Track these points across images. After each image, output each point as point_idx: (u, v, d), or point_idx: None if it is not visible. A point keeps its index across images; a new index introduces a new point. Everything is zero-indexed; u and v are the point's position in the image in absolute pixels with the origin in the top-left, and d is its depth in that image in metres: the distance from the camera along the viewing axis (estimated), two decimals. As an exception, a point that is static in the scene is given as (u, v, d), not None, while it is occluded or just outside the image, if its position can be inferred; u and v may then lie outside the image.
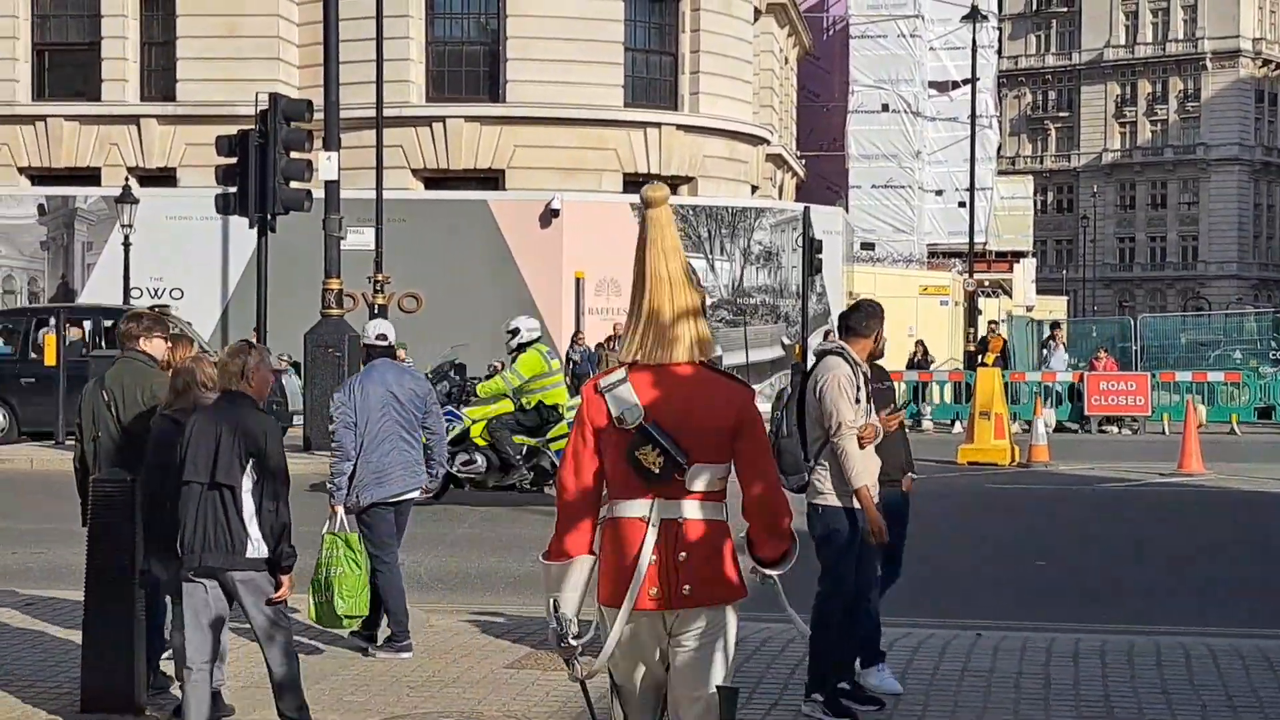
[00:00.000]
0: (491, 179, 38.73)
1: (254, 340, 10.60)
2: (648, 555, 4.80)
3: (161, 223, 32.93)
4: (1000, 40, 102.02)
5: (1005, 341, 35.80)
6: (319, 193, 22.67)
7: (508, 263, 33.93)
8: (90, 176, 38.56)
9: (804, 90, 60.09)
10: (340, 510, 9.25)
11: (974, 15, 46.62)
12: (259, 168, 21.83)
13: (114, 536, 8.33)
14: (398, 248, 31.40)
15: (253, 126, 22.24)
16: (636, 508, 4.84)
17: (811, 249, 33.59)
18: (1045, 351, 36.98)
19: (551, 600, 4.93)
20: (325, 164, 21.94)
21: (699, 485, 4.84)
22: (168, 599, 8.40)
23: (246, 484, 7.23)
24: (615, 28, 39.58)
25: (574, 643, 4.87)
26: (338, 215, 22.10)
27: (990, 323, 39.25)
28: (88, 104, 39.49)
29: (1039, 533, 16.65)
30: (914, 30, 57.32)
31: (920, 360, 35.26)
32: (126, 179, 34.77)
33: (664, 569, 4.80)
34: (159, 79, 40.03)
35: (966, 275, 47.31)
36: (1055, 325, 40.11)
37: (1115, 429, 31.90)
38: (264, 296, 23.40)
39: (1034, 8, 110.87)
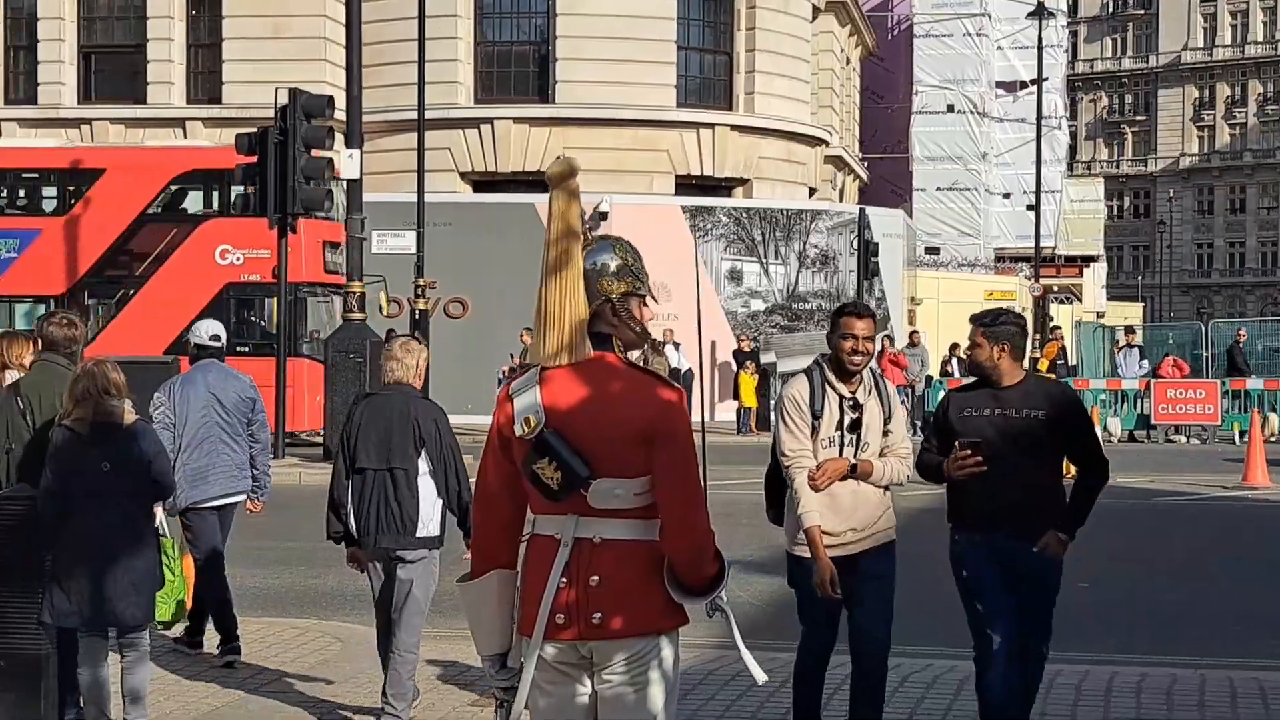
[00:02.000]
0: (540, 181, 37.69)
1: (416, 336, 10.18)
2: (556, 577, 4.24)
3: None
4: (1075, 43, 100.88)
5: (1061, 347, 34.53)
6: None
7: (555, 266, 33.06)
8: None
9: (867, 91, 58.94)
10: (159, 511, 8.27)
11: (1040, 12, 45.33)
12: (278, 166, 21.07)
13: (19, 564, 7.45)
14: (444, 252, 30.69)
15: (272, 124, 21.51)
16: (551, 524, 4.30)
17: (867, 252, 32.61)
18: (1119, 358, 35.81)
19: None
20: (347, 162, 21.13)
21: (611, 503, 4.23)
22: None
23: (423, 467, 7.58)
24: (668, 26, 38.68)
25: (500, 682, 4.38)
26: (359, 216, 21.29)
27: (1053, 327, 38.02)
28: (133, 107, 39.02)
29: (1085, 551, 15.48)
30: (980, 29, 56.04)
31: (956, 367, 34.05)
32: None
33: (573, 593, 4.24)
34: (205, 81, 39.54)
35: (1033, 280, 46.04)
36: (1129, 330, 38.86)
37: (1183, 438, 30.70)
38: (283, 299, 22.64)
39: (1110, 10, 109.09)
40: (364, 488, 7.68)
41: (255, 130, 21.96)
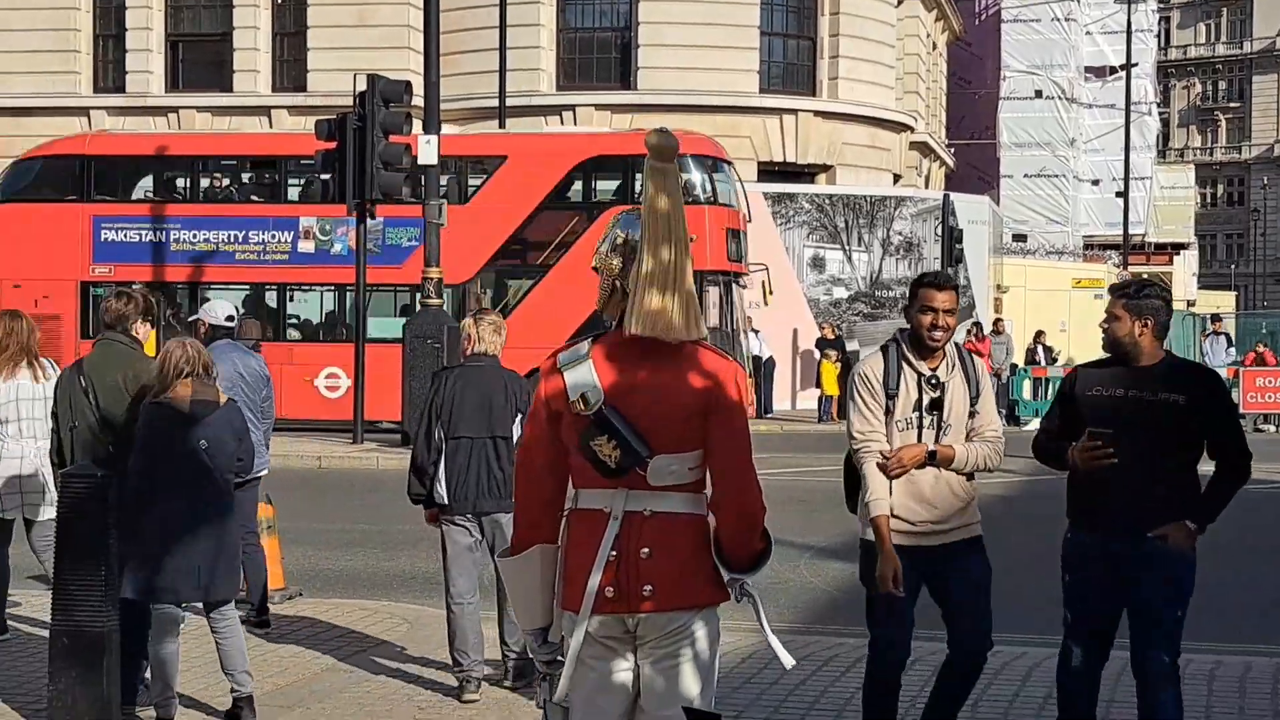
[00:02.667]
0: (621, 169, 37.83)
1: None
2: (606, 551, 4.20)
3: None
4: (1169, 29, 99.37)
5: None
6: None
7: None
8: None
9: (954, 77, 58.35)
10: None
11: (1129, -4, 44.64)
12: (357, 151, 21.12)
13: (84, 542, 7.46)
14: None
15: (351, 110, 21.55)
16: (599, 498, 4.26)
17: (951, 239, 32.27)
18: (1206, 345, 35.30)
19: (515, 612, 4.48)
20: (425, 148, 21.14)
21: (667, 479, 4.22)
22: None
23: (517, 434, 7.71)
24: (751, 11, 38.46)
25: (543, 656, 4.36)
26: (438, 201, 21.28)
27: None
28: (219, 95, 39.33)
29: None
30: (1069, 14, 55.29)
31: (1042, 355, 33.65)
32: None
33: (624, 566, 4.20)
34: (290, 69, 39.79)
35: (1122, 268, 45.41)
36: (1215, 318, 38.28)
37: (1272, 428, 30.23)
38: (363, 285, 22.69)
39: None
40: (459, 455, 8.00)
41: (335, 116, 22.00)
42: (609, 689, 4.25)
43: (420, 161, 21.34)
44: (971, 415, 6.42)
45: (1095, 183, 56.63)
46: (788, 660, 4.41)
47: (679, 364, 4.25)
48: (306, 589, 11.19)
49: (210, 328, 10.02)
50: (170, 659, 7.45)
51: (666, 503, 4.21)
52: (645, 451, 4.15)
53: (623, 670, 4.25)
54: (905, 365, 6.37)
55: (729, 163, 28.09)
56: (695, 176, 26.10)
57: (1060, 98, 55.11)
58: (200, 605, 7.70)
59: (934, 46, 53.64)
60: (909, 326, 6.43)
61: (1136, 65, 51.73)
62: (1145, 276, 7.36)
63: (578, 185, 27.28)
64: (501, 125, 30.55)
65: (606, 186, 27.07)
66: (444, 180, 26.67)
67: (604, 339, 4.31)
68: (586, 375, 4.22)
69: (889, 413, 6.34)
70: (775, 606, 10.76)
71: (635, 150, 25.90)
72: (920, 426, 6.34)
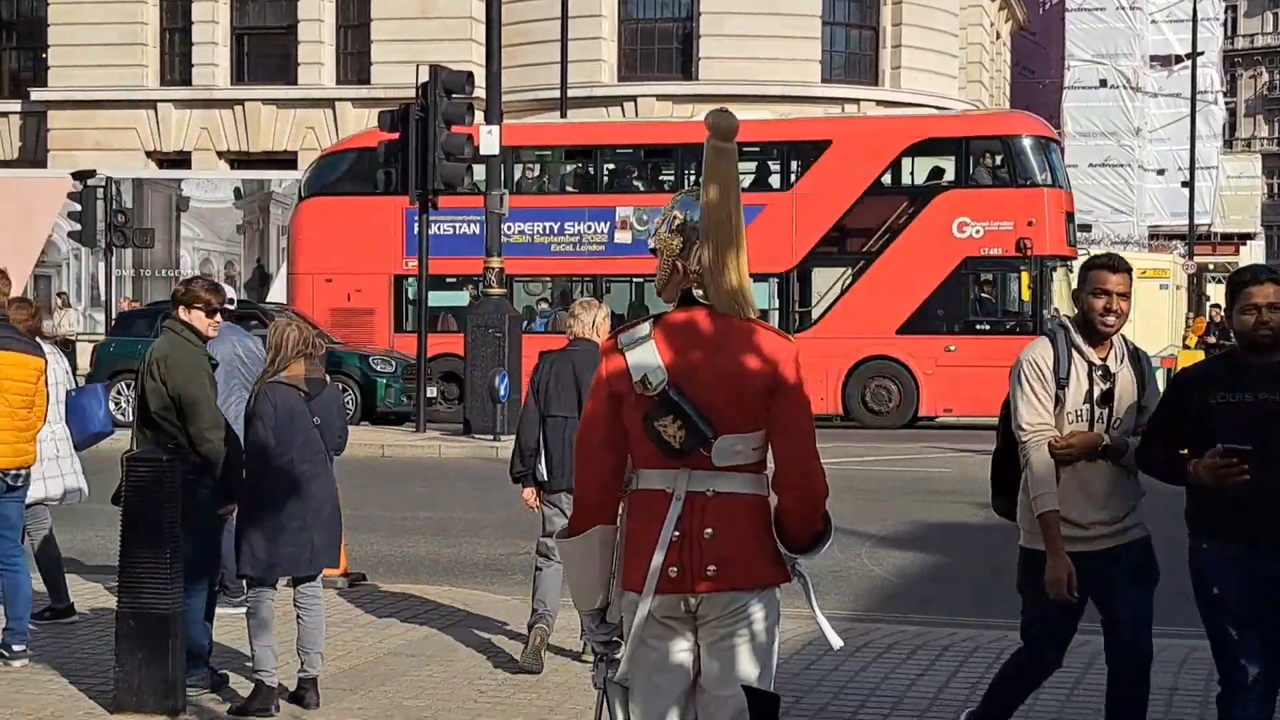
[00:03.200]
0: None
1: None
2: (669, 530, 4.21)
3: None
4: (1235, 19, 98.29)
5: (1209, 322, 33.71)
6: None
7: (695, 244, 32.84)
8: (287, 161, 38.66)
9: (1019, 67, 57.99)
10: None
11: (1195, -16, 44.21)
12: (419, 142, 21.22)
13: (150, 525, 7.55)
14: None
15: (414, 101, 21.66)
16: (660, 478, 4.26)
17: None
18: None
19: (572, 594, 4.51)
20: (487, 138, 21.23)
21: (732, 460, 4.22)
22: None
23: None
24: (812, 1, 38.37)
25: (600, 637, 4.39)
26: (500, 191, 21.37)
27: (1213, 305, 37.15)
28: (284, 88, 39.61)
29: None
30: (1134, 2, 54.79)
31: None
32: (317, 161, 34.62)
33: (687, 546, 4.21)
34: (353, 62, 40.06)
35: (1188, 259, 44.98)
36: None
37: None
38: (425, 275, 22.79)
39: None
40: (556, 433, 8.31)
41: (398, 108, 22.13)
42: (669, 669, 4.26)
43: (482, 151, 21.42)
44: (1140, 410, 5.96)
45: (1160, 172, 56.10)
46: (835, 640, 4.42)
47: (740, 344, 4.25)
48: (370, 574, 11.27)
49: None
50: (270, 631, 7.53)
51: (730, 483, 4.22)
52: (710, 432, 4.16)
53: (683, 650, 4.26)
54: (1075, 353, 5.93)
55: (1060, 144, 27.48)
56: (1031, 158, 25.51)
57: (1125, 87, 54.65)
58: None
59: (997, 36, 53.32)
60: (1076, 311, 6.00)
61: (1202, 54, 51.15)
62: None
63: (905, 169, 26.66)
64: (563, 115, 30.63)
65: (937, 169, 26.30)
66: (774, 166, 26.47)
67: (665, 319, 4.31)
68: (649, 356, 4.22)
69: (1059, 403, 5.89)
70: (836, 594, 10.76)
71: (969, 132, 25.85)
72: (1091, 419, 5.91)
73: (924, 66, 39.89)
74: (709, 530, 4.19)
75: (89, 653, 8.71)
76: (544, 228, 26.66)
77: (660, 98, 37.83)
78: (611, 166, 27.55)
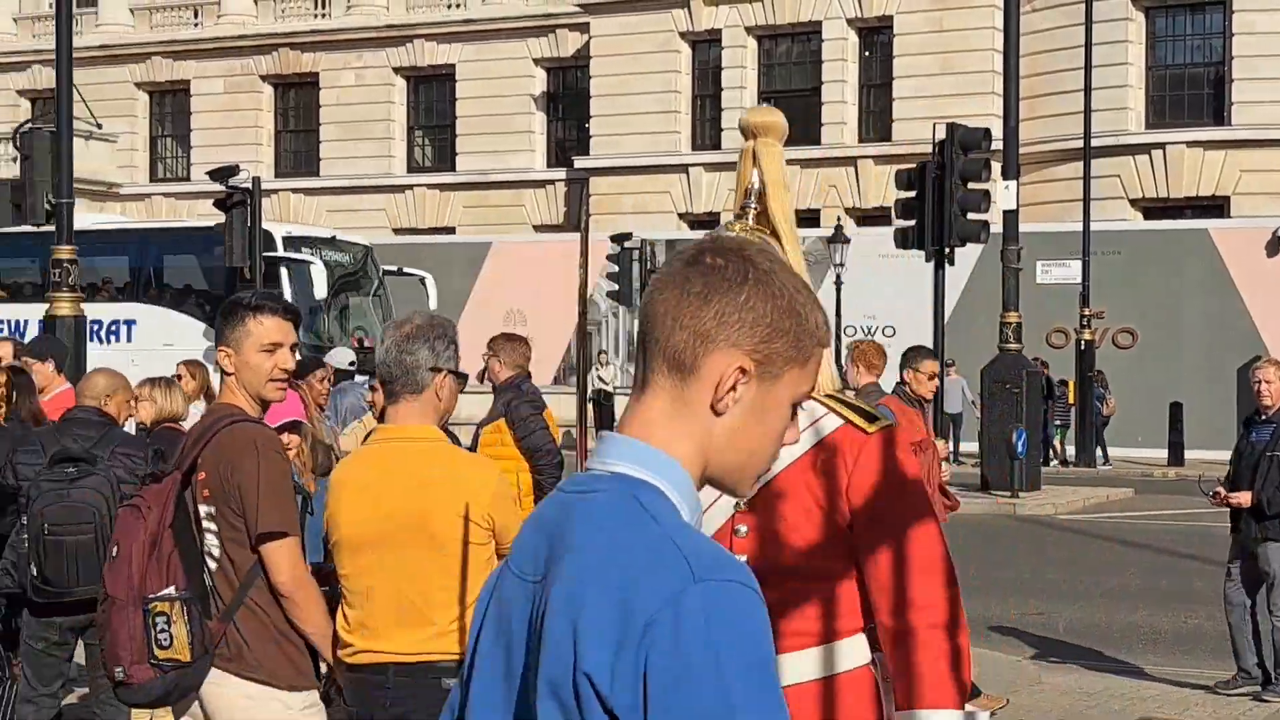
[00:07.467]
0: (1215, 206, 36.66)
1: None
2: None
3: (875, 261, 32.83)
4: None
5: None
6: (997, 226, 22.16)
7: (1230, 294, 31.80)
8: (810, 218, 39.58)
9: None
10: None
11: None
12: (935, 199, 21.50)
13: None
14: (1113, 281, 30.35)
15: (929, 158, 21.98)
16: None
17: None
18: None
19: None
20: (1004, 193, 21.33)
21: None
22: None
23: None
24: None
25: None
26: (1016, 246, 21.45)
27: None
28: (808, 147, 40.65)
29: None
30: None
31: None
32: (839, 220, 35.34)
33: None
34: (875, 120, 40.73)
35: None
36: None
37: None
38: (940, 329, 23.00)
39: None
40: None
41: (914, 166, 22.49)
42: None
43: (1000, 207, 21.53)
44: None
45: None
46: None
47: None
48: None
49: (335, 372, 10.69)
50: None
51: None
52: None
53: None
54: None
55: None
56: None
57: None
58: None
59: None
60: None
61: None
62: None
63: None
64: (1087, 166, 30.27)
65: None
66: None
67: None
68: None
69: None
70: None
71: None
72: None
73: None
74: None
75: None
76: None
77: (1190, 144, 36.73)
78: None
